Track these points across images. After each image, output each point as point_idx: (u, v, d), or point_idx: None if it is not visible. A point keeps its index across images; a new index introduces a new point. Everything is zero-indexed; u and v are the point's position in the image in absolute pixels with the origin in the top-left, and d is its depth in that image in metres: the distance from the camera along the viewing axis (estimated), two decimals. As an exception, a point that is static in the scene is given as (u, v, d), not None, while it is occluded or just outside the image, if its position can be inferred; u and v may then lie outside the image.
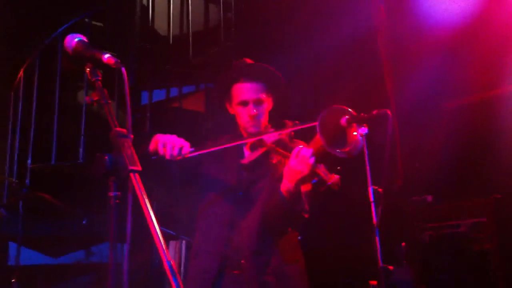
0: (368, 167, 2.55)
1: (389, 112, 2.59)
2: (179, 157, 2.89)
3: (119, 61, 2.10)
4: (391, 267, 2.43)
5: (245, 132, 3.21)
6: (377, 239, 2.45)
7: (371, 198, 2.52)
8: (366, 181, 2.64)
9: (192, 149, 2.93)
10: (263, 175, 3.09)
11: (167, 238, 5.31)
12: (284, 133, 2.96)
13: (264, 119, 3.18)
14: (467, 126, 4.64)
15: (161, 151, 2.91)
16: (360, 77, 4.74)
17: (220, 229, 3.06)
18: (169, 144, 2.89)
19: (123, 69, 2.07)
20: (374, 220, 2.48)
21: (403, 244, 4.26)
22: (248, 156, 3.13)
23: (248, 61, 3.26)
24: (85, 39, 2.24)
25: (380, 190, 2.53)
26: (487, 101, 4.64)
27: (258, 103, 3.15)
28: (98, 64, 2.20)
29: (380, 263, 2.44)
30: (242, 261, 2.96)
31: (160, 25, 6.58)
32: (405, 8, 4.89)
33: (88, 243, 5.81)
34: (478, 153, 4.62)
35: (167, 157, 2.89)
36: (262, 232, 3.00)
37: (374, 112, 2.66)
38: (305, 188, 2.98)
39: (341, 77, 4.73)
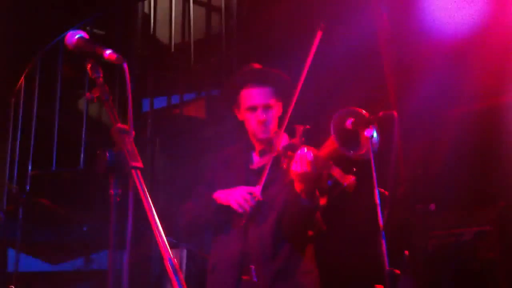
0: (373, 169, 2.50)
1: (395, 113, 2.55)
2: (256, 204, 2.90)
3: (121, 56, 2.06)
4: (397, 271, 2.38)
5: (255, 138, 3.17)
6: (383, 242, 2.40)
7: (377, 201, 2.46)
8: (371, 184, 2.58)
9: (258, 186, 2.93)
10: (273, 180, 3.02)
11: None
12: (295, 138, 2.92)
13: (274, 125, 3.12)
14: (471, 133, 4.58)
15: (239, 210, 2.91)
16: (365, 84, 4.70)
17: (235, 237, 3.00)
18: (241, 200, 2.90)
19: (125, 65, 2.03)
20: (380, 223, 2.42)
21: (406, 252, 4.20)
22: (258, 161, 3.09)
23: (256, 66, 3.22)
24: (86, 36, 2.21)
25: (386, 193, 2.48)
26: (492, 109, 4.59)
27: (267, 108, 3.10)
28: (100, 62, 2.17)
29: (387, 267, 2.39)
30: (251, 266, 2.92)
31: (162, 33, 6.57)
32: (409, 15, 4.86)
33: (88, 250, 5.76)
34: (483, 161, 4.57)
35: (249, 211, 2.90)
36: (276, 237, 2.95)
37: (380, 113, 2.62)
38: (322, 202, 2.92)
39: (345, 85, 4.69)
